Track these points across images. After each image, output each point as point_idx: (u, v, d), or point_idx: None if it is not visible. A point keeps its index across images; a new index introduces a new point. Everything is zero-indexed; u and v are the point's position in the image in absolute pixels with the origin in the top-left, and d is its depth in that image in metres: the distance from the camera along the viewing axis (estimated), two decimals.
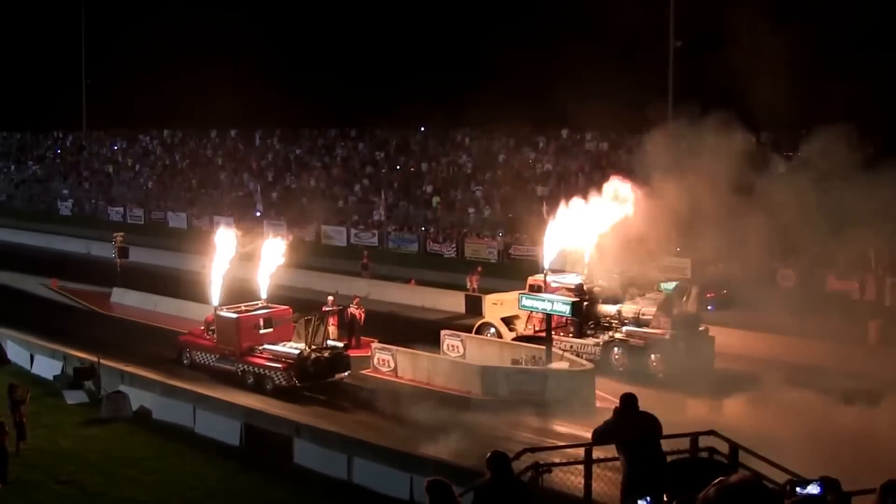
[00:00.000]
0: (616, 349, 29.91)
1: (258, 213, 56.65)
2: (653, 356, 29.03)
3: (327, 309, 31.51)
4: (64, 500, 22.18)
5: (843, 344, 28.86)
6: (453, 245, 49.64)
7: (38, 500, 22.19)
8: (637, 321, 30.06)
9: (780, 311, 29.38)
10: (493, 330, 32.47)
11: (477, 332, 32.36)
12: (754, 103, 30.68)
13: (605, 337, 30.45)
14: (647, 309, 30.00)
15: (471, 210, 52.43)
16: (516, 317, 32.30)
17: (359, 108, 59.26)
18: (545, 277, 31.02)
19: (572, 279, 31.39)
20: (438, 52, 58.12)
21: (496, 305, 33.37)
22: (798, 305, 29.13)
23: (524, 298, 30.16)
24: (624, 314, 30.47)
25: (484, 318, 33.43)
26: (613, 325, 30.56)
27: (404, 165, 59.59)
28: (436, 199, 54.69)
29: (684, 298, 29.71)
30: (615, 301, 30.90)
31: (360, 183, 58.98)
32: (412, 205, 55.27)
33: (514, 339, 31.49)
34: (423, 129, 61.94)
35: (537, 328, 31.14)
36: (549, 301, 29.46)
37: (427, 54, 59.01)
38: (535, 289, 31.08)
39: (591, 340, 30.50)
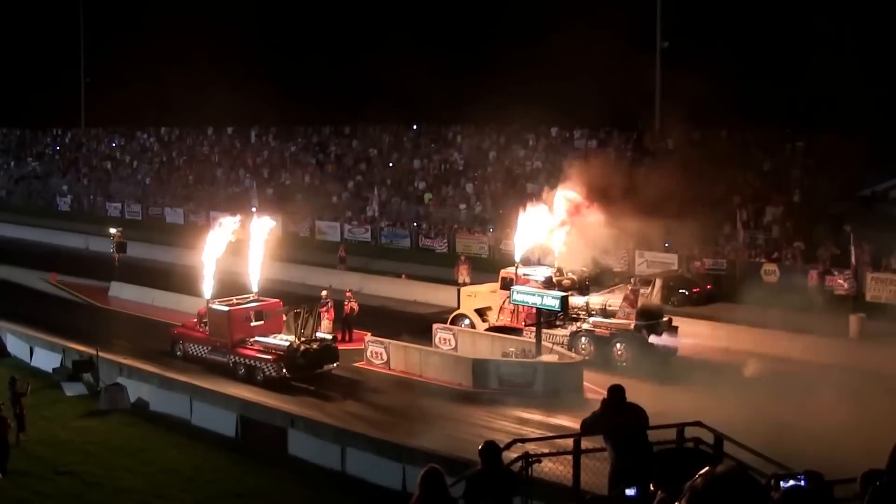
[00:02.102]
0: (583, 339, 30.59)
1: (254, 209, 56.80)
2: (617, 346, 29.77)
3: (323, 302, 31.97)
4: (63, 491, 22.44)
5: (824, 337, 29.45)
6: (445, 240, 49.95)
7: (38, 491, 22.42)
8: (604, 312, 30.85)
9: (763, 305, 30.03)
10: (467, 321, 33.20)
11: (452, 323, 33.11)
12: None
13: (572, 327, 31.16)
14: (614, 300, 30.85)
15: (462, 206, 52.69)
16: (489, 308, 33.21)
17: (353, 106, 59.38)
18: (516, 270, 31.88)
19: (543, 272, 32.23)
20: (433, 51, 58.31)
21: (470, 297, 34.10)
22: (781, 300, 29.70)
23: (515, 293, 30.68)
24: (591, 305, 31.32)
25: (459, 309, 34.04)
26: (581, 316, 31.30)
27: (397, 162, 59.85)
28: (428, 196, 54.91)
29: (649, 290, 30.35)
30: (583, 293, 31.81)
31: (353, 179, 59.18)
32: (405, 201, 55.52)
33: (486, 330, 32.32)
34: (415, 126, 62.20)
35: (509, 319, 32.17)
36: (538, 295, 30.04)
37: (421, 54, 59.20)
38: (508, 281, 31.91)
39: (559, 331, 31.22)
